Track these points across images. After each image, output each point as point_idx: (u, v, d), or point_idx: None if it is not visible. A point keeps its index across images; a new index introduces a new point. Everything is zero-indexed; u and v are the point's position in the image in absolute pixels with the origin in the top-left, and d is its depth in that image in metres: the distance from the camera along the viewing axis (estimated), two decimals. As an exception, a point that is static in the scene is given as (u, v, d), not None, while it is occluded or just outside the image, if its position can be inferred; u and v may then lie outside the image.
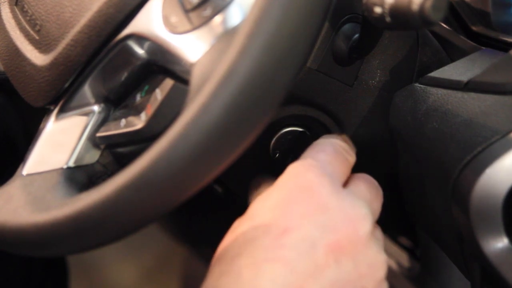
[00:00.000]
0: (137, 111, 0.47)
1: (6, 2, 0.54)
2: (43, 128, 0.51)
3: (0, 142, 0.83)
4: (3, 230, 0.42)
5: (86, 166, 0.49)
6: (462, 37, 0.54)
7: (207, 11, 0.43)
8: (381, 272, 0.42)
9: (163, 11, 0.45)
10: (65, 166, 0.48)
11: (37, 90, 0.50)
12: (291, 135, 0.54)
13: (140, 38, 0.46)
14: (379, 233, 0.46)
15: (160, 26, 0.44)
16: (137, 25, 0.46)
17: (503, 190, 0.40)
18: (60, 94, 0.50)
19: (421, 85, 0.51)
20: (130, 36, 0.46)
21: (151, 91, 0.47)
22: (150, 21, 0.45)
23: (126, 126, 0.47)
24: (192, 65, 0.42)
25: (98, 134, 0.49)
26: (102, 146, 0.50)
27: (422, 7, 0.36)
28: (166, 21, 0.44)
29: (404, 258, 0.70)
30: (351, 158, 0.47)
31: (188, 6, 0.43)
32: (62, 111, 0.50)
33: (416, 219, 0.57)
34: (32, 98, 0.51)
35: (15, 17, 0.53)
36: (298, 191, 0.41)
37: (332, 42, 0.50)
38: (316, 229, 0.40)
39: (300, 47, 0.36)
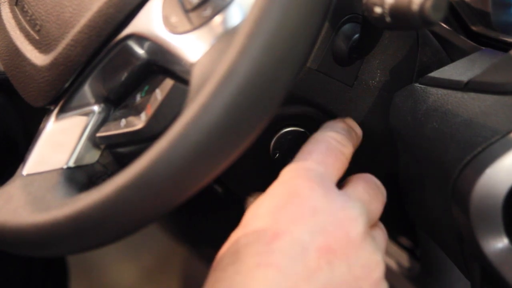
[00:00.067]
0: (137, 111, 0.47)
1: (6, 2, 0.54)
2: (43, 128, 0.51)
3: (0, 142, 0.83)
4: (3, 230, 0.42)
5: (86, 166, 0.49)
6: (462, 37, 0.54)
7: (207, 11, 0.43)
8: (377, 272, 0.41)
9: (163, 11, 0.45)
10: (65, 166, 0.48)
11: (37, 90, 0.50)
12: (291, 135, 0.54)
13: (140, 38, 0.46)
14: (378, 233, 0.46)
15: (160, 26, 0.44)
16: (137, 25, 0.46)
17: (503, 190, 0.40)
18: (60, 94, 0.50)
19: (421, 85, 0.51)
20: (130, 36, 0.46)
21: (151, 91, 0.47)
22: (150, 21, 0.45)
23: (126, 126, 0.47)
24: (192, 65, 0.42)
25: (98, 134, 0.49)
26: (102, 146, 0.50)
27: (422, 7, 0.36)
28: (166, 21, 0.44)
29: (404, 258, 0.70)
30: (347, 150, 0.47)
31: (188, 6, 0.43)
32: (62, 111, 0.50)
33: (416, 219, 0.57)
34: (32, 98, 0.51)
35: (15, 17, 0.53)
36: (288, 197, 0.41)
37: (332, 42, 0.50)
38: (306, 233, 0.40)
39: (300, 47, 0.36)
